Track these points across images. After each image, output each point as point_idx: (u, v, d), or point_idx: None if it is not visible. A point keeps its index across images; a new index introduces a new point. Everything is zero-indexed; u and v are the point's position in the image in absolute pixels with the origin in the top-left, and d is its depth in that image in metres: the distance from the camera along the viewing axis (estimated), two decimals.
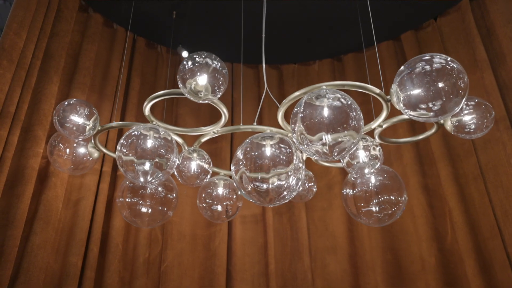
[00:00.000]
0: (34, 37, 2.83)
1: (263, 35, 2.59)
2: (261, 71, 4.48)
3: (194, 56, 1.79)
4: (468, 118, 2.14)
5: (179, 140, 2.52)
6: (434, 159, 3.24)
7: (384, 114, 2.14)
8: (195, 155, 2.53)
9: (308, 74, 4.40)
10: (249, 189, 1.84)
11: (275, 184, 1.86)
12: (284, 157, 1.89)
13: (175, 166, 2.24)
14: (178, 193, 3.56)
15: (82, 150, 2.58)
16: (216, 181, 2.77)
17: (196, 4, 3.52)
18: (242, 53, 3.05)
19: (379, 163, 2.28)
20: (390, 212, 2.49)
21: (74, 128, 2.25)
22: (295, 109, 1.73)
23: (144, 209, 2.60)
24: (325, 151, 1.65)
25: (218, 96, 1.91)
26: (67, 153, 2.55)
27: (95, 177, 3.02)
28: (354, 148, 1.65)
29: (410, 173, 3.30)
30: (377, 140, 2.42)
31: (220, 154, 3.84)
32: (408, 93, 1.77)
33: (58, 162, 2.52)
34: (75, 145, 2.56)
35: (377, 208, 2.46)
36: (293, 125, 1.71)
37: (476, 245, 2.79)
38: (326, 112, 1.65)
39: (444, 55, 1.79)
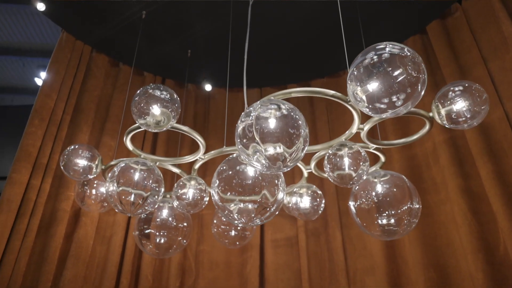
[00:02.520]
0: (64, 96, 3.27)
1: (245, 58, 2.60)
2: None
3: (143, 90, 1.89)
4: (459, 106, 1.85)
5: (176, 170, 2.62)
6: (473, 157, 2.80)
7: (356, 116, 1.97)
8: (192, 182, 2.60)
9: (338, 86, 4.24)
10: (230, 208, 1.83)
11: (250, 204, 1.82)
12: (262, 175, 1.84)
13: (161, 196, 2.33)
14: (203, 222, 3.65)
15: (103, 189, 2.84)
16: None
17: (210, 40, 3.70)
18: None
19: (365, 170, 2.07)
20: (402, 223, 2.21)
21: (81, 170, 2.51)
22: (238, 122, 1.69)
23: (158, 240, 2.73)
24: (265, 162, 1.57)
25: (174, 122, 1.98)
26: (93, 193, 2.83)
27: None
28: (298, 157, 1.53)
29: (448, 176, 2.89)
30: (371, 144, 2.21)
31: None
32: (362, 89, 1.63)
33: (87, 203, 2.80)
34: (95, 185, 2.83)
35: (389, 221, 2.21)
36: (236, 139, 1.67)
37: None
38: (262, 123, 1.58)
39: (398, 44, 1.60)
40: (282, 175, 1.89)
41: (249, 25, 2.68)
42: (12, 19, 5.56)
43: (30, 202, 2.78)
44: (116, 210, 2.19)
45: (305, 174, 2.63)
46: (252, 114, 1.62)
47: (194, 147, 4.03)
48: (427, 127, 2.05)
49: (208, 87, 4.18)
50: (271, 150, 1.52)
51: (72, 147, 2.48)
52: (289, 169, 1.61)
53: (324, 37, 3.77)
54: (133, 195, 2.22)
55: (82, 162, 2.50)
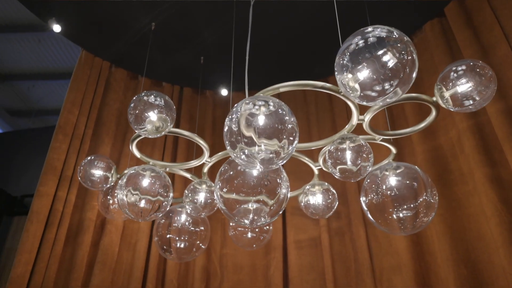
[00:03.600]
0: (86, 111, 3.43)
1: (247, 59, 2.59)
2: (308, 93, 4.34)
3: (137, 98, 1.94)
4: (463, 88, 1.72)
5: (188, 174, 2.66)
6: (500, 143, 2.60)
7: (353, 108, 1.90)
8: (203, 186, 2.62)
9: None
10: (234, 209, 1.81)
11: (255, 204, 1.81)
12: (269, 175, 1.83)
13: (170, 202, 2.37)
14: (226, 225, 3.66)
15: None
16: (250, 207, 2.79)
17: (220, 45, 3.74)
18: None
19: (370, 162, 1.98)
20: (418, 217, 2.09)
21: (98, 180, 2.62)
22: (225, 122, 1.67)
23: (176, 244, 2.78)
24: (256, 159, 1.55)
25: (171, 127, 2.02)
26: (115, 202, 2.94)
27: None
28: (286, 155, 1.49)
29: (474, 165, 2.70)
30: (377, 136, 2.12)
31: None
32: (350, 77, 1.56)
33: (111, 212, 2.92)
34: (116, 193, 2.93)
35: (403, 215, 2.10)
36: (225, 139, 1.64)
37: None
38: (249, 120, 1.55)
39: (385, 27, 1.51)
40: (284, 172, 1.86)
41: (250, 26, 2.67)
42: (60, 46, 6.01)
43: (57, 213, 2.93)
44: (127, 216, 2.26)
45: (316, 171, 2.57)
46: (238, 112, 1.60)
47: (213, 153, 4.06)
48: (433, 113, 1.93)
49: (224, 92, 4.21)
50: (262, 146, 1.49)
51: (88, 158, 2.59)
52: (283, 163, 1.58)
53: (337, 30, 3.67)
54: (143, 201, 2.28)
55: (98, 173, 2.61)
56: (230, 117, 1.56)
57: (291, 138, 1.50)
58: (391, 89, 1.50)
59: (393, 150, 2.26)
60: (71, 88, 3.43)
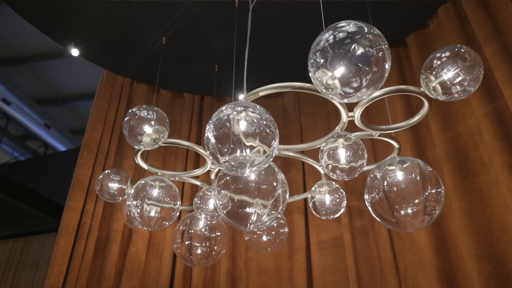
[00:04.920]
0: (109, 128, 3.64)
1: (246, 62, 2.63)
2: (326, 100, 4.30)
3: (131, 113, 2.05)
4: (449, 75, 1.64)
5: (197, 182, 2.74)
6: None
7: (339, 105, 1.88)
8: (213, 192, 2.69)
9: None
10: (228, 209, 1.85)
11: (252, 207, 1.84)
12: (266, 178, 1.87)
13: (178, 210, 2.46)
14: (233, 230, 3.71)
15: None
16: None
17: (231, 51, 3.81)
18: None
19: (364, 159, 1.94)
20: (424, 211, 2.02)
21: (115, 192, 2.77)
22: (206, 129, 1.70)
23: (195, 250, 2.87)
24: (229, 166, 1.58)
25: (166, 137, 2.10)
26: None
27: (173, 228, 3.48)
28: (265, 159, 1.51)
29: (493, 153, 2.53)
30: (374, 131, 2.06)
31: (291, 183, 3.81)
32: (329, 75, 1.55)
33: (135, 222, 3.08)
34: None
35: (407, 211, 2.04)
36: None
37: None
38: (215, 131, 1.58)
39: (359, 22, 1.49)
40: (282, 174, 1.87)
41: (249, 27, 2.71)
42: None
43: (85, 226, 3.14)
44: (137, 225, 2.38)
45: (321, 171, 2.54)
46: (218, 120, 1.64)
47: None
48: (426, 105, 1.86)
49: (241, 97, 4.27)
50: (243, 151, 1.53)
51: (104, 173, 2.75)
52: (266, 165, 1.59)
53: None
54: (153, 211, 2.40)
55: (114, 186, 2.76)
56: (208, 125, 1.61)
57: (270, 140, 1.52)
58: (365, 83, 1.48)
59: (396, 144, 2.19)
60: (94, 107, 3.66)
